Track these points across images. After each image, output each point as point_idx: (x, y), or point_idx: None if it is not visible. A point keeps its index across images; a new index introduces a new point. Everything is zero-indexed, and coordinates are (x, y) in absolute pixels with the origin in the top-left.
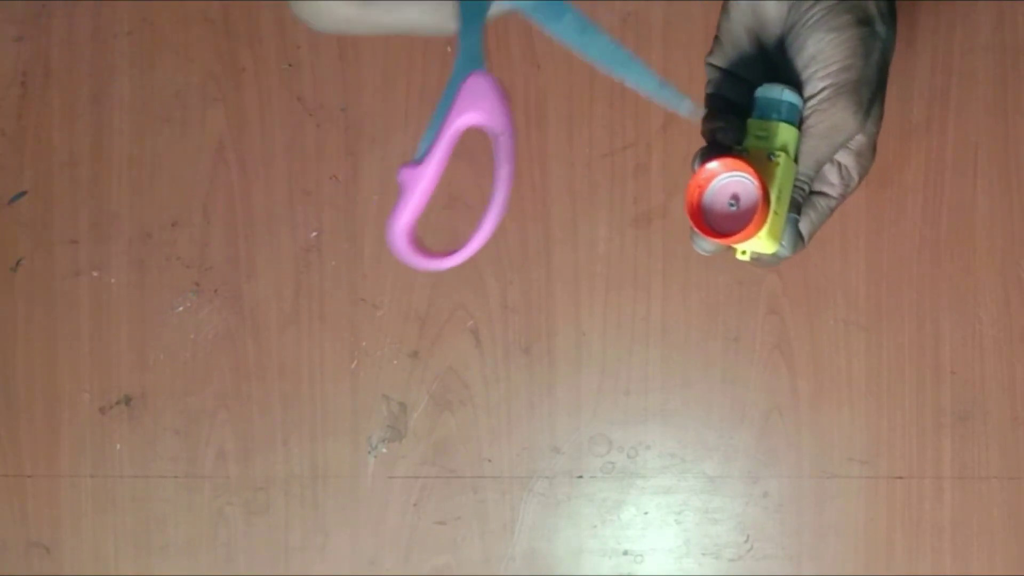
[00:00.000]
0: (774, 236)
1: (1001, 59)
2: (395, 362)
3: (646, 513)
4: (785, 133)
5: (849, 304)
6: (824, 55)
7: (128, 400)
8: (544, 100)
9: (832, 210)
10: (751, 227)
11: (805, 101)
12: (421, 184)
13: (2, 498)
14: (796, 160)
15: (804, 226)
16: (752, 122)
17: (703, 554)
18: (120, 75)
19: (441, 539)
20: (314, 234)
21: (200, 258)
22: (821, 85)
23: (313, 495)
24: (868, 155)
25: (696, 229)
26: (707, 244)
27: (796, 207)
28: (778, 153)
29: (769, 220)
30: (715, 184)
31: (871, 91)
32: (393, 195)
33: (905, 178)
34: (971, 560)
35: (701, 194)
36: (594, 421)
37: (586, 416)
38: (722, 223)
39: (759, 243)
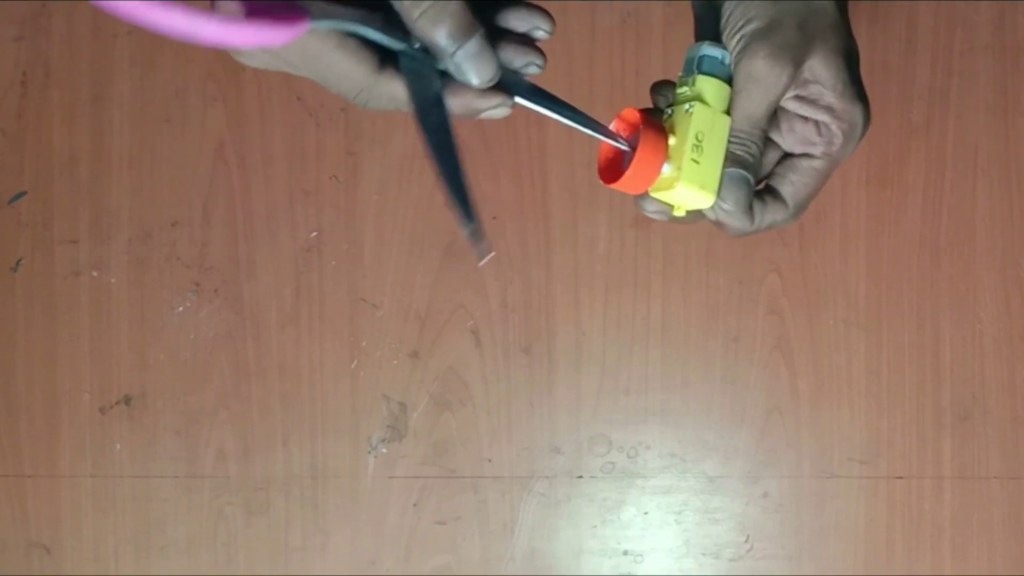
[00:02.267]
0: (702, 187)
1: (1001, 59)
2: (395, 362)
3: (646, 513)
4: (702, 84)
5: (849, 304)
6: (736, 13)
7: (128, 400)
8: None
9: (819, 172)
10: (634, 165)
11: (732, 60)
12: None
13: (2, 498)
14: (731, 115)
15: (786, 188)
16: (678, 81)
17: (703, 554)
18: (120, 75)
19: (441, 539)
20: (314, 234)
21: (200, 258)
22: (736, 40)
23: (313, 495)
24: (844, 108)
25: (600, 177)
26: (648, 204)
27: (741, 164)
28: (692, 104)
29: (688, 168)
30: (633, 141)
31: (785, 36)
32: (393, 195)
33: (905, 178)
34: (971, 560)
35: (609, 149)
36: (594, 421)
37: (586, 416)
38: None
39: (686, 194)
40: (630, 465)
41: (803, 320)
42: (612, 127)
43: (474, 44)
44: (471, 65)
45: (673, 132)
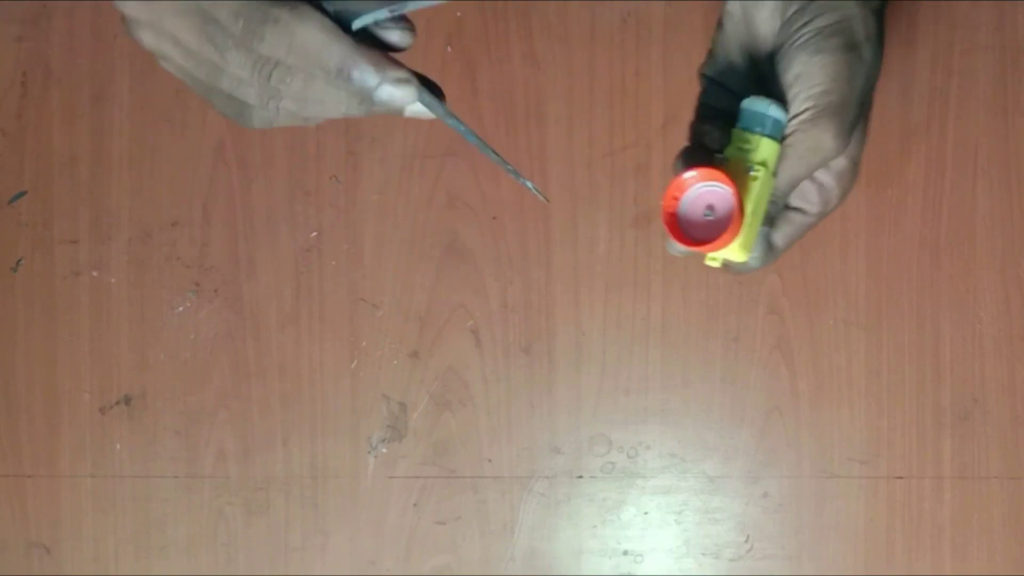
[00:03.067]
0: (746, 247)
1: (1001, 59)
2: (395, 362)
3: (646, 513)
4: (767, 148)
5: (849, 304)
6: (809, 76)
7: (128, 400)
8: (544, 100)
9: (808, 227)
10: (724, 237)
11: (788, 120)
12: None
13: (2, 498)
14: (774, 175)
15: (778, 239)
16: (736, 132)
17: (703, 554)
18: (120, 75)
19: (441, 539)
20: (314, 234)
21: (200, 258)
22: (805, 106)
23: (313, 495)
24: (849, 176)
25: (671, 236)
26: (680, 247)
27: (769, 220)
28: (758, 167)
29: (743, 231)
30: (692, 192)
31: (853, 115)
32: (393, 195)
33: (905, 178)
34: (971, 560)
35: (678, 201)
36: (594, 421)
37: (586, 416)
38: (696, 230)
39: (730, 252)
40: (630, 465)
41: (803, 320)
42: (691, 175)
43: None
44: (394, 103)
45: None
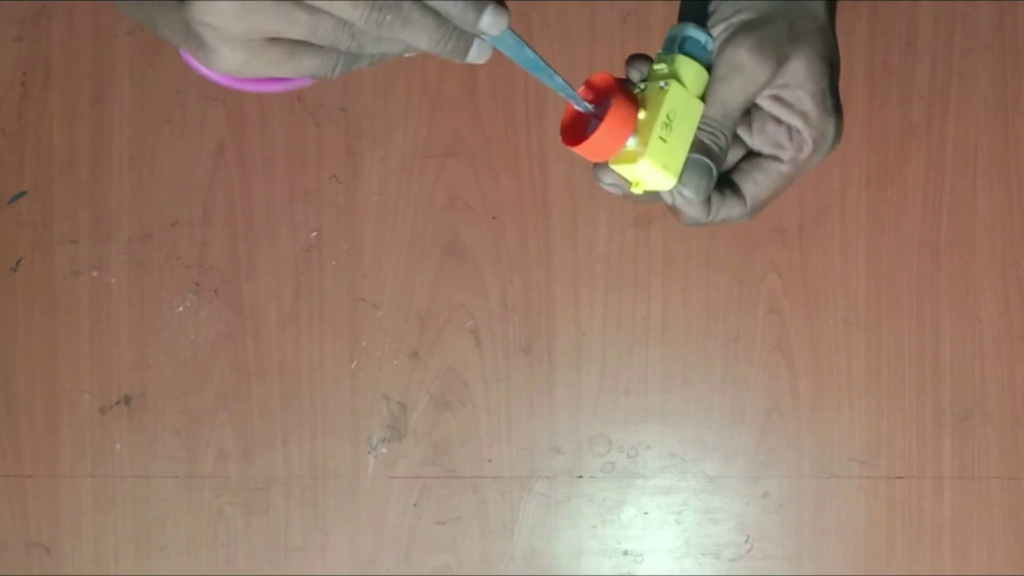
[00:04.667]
0: (665, 167)
1: (1001, 59)
2: (395, 362)
3: (646, 513)
4: (681, 64)
5: (849, 304)
6: (727, 2)
7: (128, 400)
8: (544, 100)
9: (784, 177)
10: (601, 130)
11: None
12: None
13: (2, 498)
14: (704, 101)
15: (748, 186)
16: (656, 57)
17: (703, 554)
18: (120, 75)
19: (441, 539)
20: (314, 234)
21: (200, 258)
22: (722, 28)
23: (313, 495)
24: (817, 117)
25: (561, 139)
26: (605, 176)
27: (707, 153)
28: (667, 81)
29: (654, 145)
30: (599, 110)
31: (772, 31)
32: (393, 195)
33: (905, 178)
34: (971, 560)
35: (576, 111)
36: (594, 421)
37: (586, 416)
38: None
39: (647, 172)
40: (630, 465)
41: (803, 320)
42: (580, 90)
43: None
44: (492, 23)
45: (644, 107)
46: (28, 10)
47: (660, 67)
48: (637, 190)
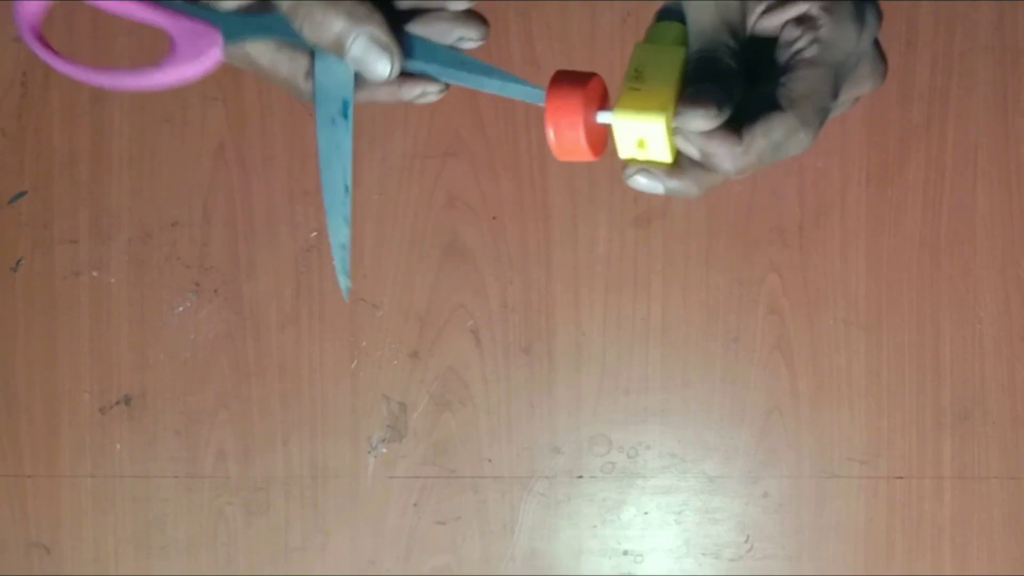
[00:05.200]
0: (644, 108)
1: (1001, 59)
2: (395, 362)
3: (646, 513)
4: (650, 30)
5: (849, 304)
6: None
7: (128, 400)
8: None
9: (814, 61)
10: (549, 100)
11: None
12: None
13: (2, 498)
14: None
15: (781, 91)
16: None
17: (703, 554)
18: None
19: (441, 539)
20: (314, 234)
21: (200, 258)
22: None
23: (313, 495)
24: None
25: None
26: (633, 175)
27: (702, 75)
28: (642, 44)
29: (623, 96)
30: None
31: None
32: (393, 195)
33: (905, 178)
34: (971, 560)
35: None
36: (594, 421)
37: (586, 416)
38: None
39: (630, 126)
40: (630, 465)
41: (803, 320)
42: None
43: (360, 44)
44: (366, 64)
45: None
46: None
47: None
48: (624, 155)
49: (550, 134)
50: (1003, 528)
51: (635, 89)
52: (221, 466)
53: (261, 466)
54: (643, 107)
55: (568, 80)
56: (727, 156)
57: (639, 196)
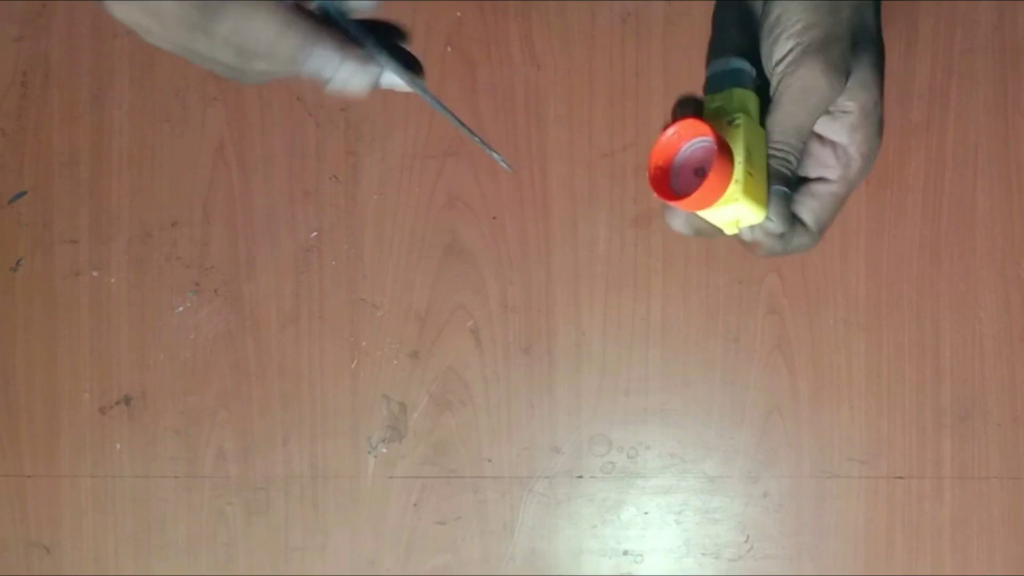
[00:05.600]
0: (754, 200)
1: (1001, 59)
2: (395, 362)
3: (646, 513)
4: (740, 96)
5: (849, 304)
6: (789, 15)
7: (128, 400)
8: (544, 100)
9: (837, 197)
10: (708, 183)
11: (775, 67)
12: None
13: (2, 498)
14: (764, 126)
15: (806, 215)
16: (707, 98)
17: (703, 554)
18: (120, 75)
19: (441, 539)
20: (314, 234)
21: (200, 258)
22: (788, 47)
23: (313, 495)
24: (866, 131)
25: (656, 193)
26: (677, 221)
27: (783, 180)
28: (736, 115)
29: (742, 181)
30: (681, 155)
31: (842, 48)
32: (393, 195)
33: (905, 178)
34: (971, 560)
35: (663, 160)
36: (594, 421)
37: (586, 416)
38: (687, 190)
39: (741, 210)
40: (630, 465)
41: (803, 320)
42: (670, 133)
43: (343, 73)
44: (353, 85)
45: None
46: (28, 10)
47: (717, 105)
48: (732, 229)
49: (705, 192)
50: (1003, 528)
51: (750, 175)
52: (221, 466)
53: (261, 466)
54: (757, 200)
55: (724, 146)
56: (768, 248)
57: (639, 196)
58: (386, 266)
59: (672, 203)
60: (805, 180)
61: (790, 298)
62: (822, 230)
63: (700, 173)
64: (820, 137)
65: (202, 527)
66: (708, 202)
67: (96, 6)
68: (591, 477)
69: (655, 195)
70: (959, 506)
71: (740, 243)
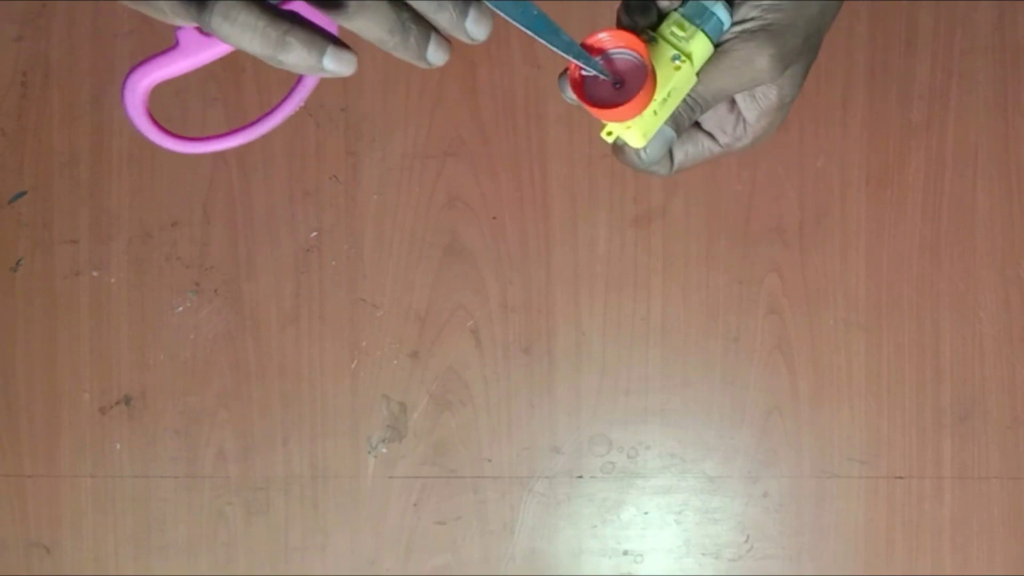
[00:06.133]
0: (644, 133)
1: (1001, 59)
2: (395, 362)
3: (646, 513)
4: (699, 43)
5: (849, 304)
6: None
7: (128, 400)
8: (544, 100)
9: (712, 155)
10: (625, 108)
11: (732, 25)
12: (202, 54)
13: (2, 498)
14: (698, 76)
15: (678, 153)
16: (673, 15)
17: (703, 554)
18: (120, 75)
19: (441, 539)
20: (314, 234)
21: (200, 258)
22: (751, 14)
23: (313, 495)
24: (771, 119)
25: (571, 90)
26: (573, 94)
27: (675, 124)
28: (684, 58)
29: (645, 115)
30: (605, 55)
31: (795, 44)
32: (393, 195)
33: (905, 178)
34: (971, 560)
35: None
36: (594, 421)
37: (586, 416)
38: (599, 93)
39: (627, 132)
40: (630, 465)
41: (803, 320)
42: (603, 36)
43: (328, 61)
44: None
45: None
46: (28, 10)
47: (674, 30)
48: (608, 138)
49: (627, 109)
50: (1003, 528)
51: (655, 114)
52: (221, 466)
53: (261, 466)
54: (645, 132)
55: (652, 70)
56: (628, 162)
57: (639, 196)
58: (386, 266)
59: (588, 108)
60: (697, 127)
61: (790, 298)
62: (680, 169)
63: (617, 85)
64: (732, 103)
65: (202, 527)
66: (615, 118)
67: (96, 6)
68: (591, 477)
69: (569, 87)
70: (959, 506)
71: (612, 145)
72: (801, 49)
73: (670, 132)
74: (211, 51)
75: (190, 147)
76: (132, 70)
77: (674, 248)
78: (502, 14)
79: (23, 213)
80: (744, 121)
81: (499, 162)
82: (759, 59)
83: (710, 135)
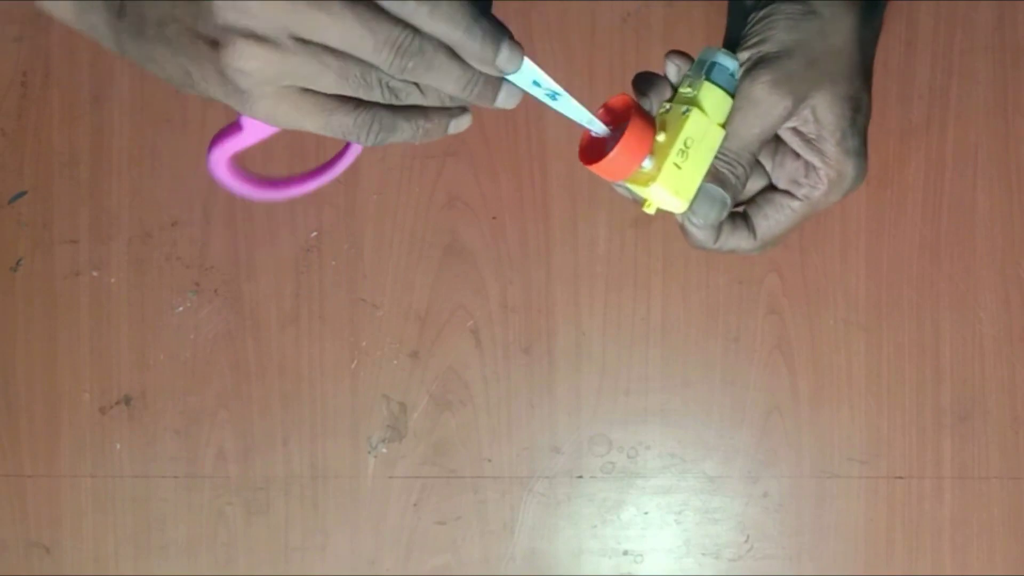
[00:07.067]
0: (676, 192)
1: (1001, 59)
2: (395, 362)
3: (646, 513)
4: (707, 91)
5: (849, 304)
6: (753, 28)
7: (128, 400)
8: None
9: (795, 213)
10: (613, 157)
11: (739, 75)
12: (263, 132)
13: (2, 498)
14: (723, 127)
15: (759, 220)
16: (684, 78)
17: (703, 554)
18: (120, 75)
19: (441, 539)
20: (314, 234)
21: (200, 258)
22: (745, 56)
23: (313, 495)
24: (837, 156)
25: (580, 156)
26: (621, 188)
27: (721, 182)
28: (690, 107)
29: (668, 171)
30: (620, 126)
31: (790, 68)
32: (393, 195)
33: (905, 178)
34: (971, 560)
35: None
36: (594, 421)
37: (586, 416)
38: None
39: (660, 194)
40: (630, 465)
41: (803, 320)
42: (599, 112)
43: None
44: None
45: (663, 129)
46: (28, 10)
47: (686, 91)
48: (649, 209)
49: (613, 160)
50: (1003, 528)
51: (677, 167)
52: (221, 466)
53: (261, 466)
54: (676, 190)
55: (642, 121)
56: (696, 239)
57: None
58: (386, 266)
59: (587, 166)
60: (774, 189)
61: (790, 298)
62: (767, 242)
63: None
64: (795, 153)
65: (202, 527)
66: (619, 172)
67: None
68: (591, 477)
69: (579, 159)
70: (959, 506)
71: (679, 226)
72: (806, 74)
73: (718, 192)
74: (272, 130)
75: (284, 194)
76: (212, 147)
77: (674, 248)
78: (524, 88)
79: (23, 213)
80: (811, 167)
81: (499, 162)
82: (755, 91)
83: (788, 193)
